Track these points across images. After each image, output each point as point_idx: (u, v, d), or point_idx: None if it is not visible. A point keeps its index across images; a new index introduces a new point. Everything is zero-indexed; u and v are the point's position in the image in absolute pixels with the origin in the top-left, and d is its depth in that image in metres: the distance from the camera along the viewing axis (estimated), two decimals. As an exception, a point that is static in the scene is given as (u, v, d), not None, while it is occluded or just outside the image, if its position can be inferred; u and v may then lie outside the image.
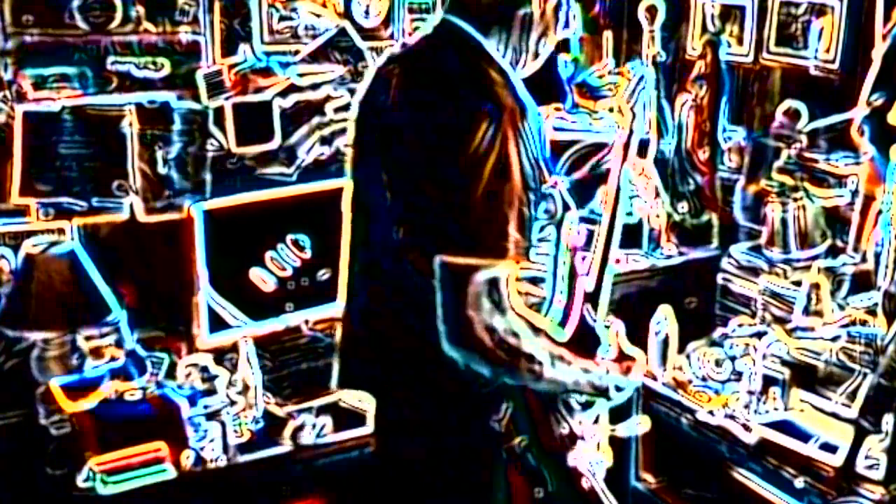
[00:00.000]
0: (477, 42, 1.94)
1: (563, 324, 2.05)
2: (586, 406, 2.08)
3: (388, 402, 2.09)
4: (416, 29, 3.59)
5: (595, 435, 2.10)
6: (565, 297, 2.06)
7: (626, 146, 2.26)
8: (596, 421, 2.10)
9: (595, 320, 2.11)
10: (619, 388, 2.05)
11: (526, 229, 1.88)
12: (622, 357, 2.10)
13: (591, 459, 2.10)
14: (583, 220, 2.12)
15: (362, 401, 2.85)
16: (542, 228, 1.98)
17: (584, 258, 2.12)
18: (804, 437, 2.84)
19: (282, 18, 3.42)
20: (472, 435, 2.00)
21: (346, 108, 3.42)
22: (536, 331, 1.90)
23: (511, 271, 1.85)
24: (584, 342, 2.06)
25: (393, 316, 1.99)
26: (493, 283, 1.82)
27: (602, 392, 2.03)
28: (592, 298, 2.12)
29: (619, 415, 2.21)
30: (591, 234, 2.18)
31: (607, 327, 2.13)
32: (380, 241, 1.99)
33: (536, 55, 2.02)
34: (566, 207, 2.02)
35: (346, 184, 2.13)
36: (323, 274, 3.17)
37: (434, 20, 2.03)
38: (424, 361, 1.91)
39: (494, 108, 1.82)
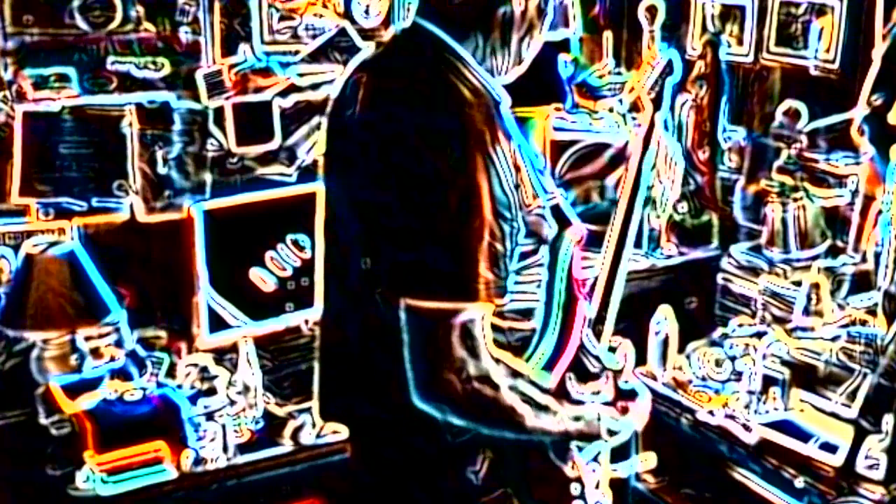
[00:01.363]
0: (452, 50, 1.74)
1: (552, 363, 1.83)
2: (583, 447, 1.89)
3: (359, 442, 1.92)
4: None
5: (594, 473, 1.91)
6: (559, 329, 1.83)
7: (647, 140, 2.07)
8: (595, 459, 1.91)
9: (596, 347, 1.90)
10: (612, 432, 1.86)
11: (499, 267, 1.67)
12: (619, 397, 1.89)
13: (589, 501, 1.90)
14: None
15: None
16: (528, 254, 1.76)
17: (584, 281, 1.90)
18: (804, 437, 2.84)
19: (282, 18, 3.42)
20: (445, 488, 1.81)
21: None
22: (516, 375, 1.72)
23: (485, 313, 1.67)
24: (578, 377, 1.87)
25: (364, 348, 1.81)
26: (466, 328, 1.64)
27: (595, 438, 1.85)
28: (594, 325, 1.92)
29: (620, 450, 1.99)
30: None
31: (613, 350, 1.93)
32: (350, 267, 1.79)
33: (520, 59, 1.82)
34: (565, 224, 1.82)
35: (318, 193, 1.94)
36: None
37: (404, 23, 1.83)
38: (393, 403, 1.73)
39: (461, 132, 1.64)
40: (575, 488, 1.88)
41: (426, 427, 1.73)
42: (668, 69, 2.13)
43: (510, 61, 1.80)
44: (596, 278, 2.03)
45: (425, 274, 1.64)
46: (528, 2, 1.77)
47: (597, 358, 1.90)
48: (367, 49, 1.93)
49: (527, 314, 1.80)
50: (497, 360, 1.70)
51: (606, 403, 1.88)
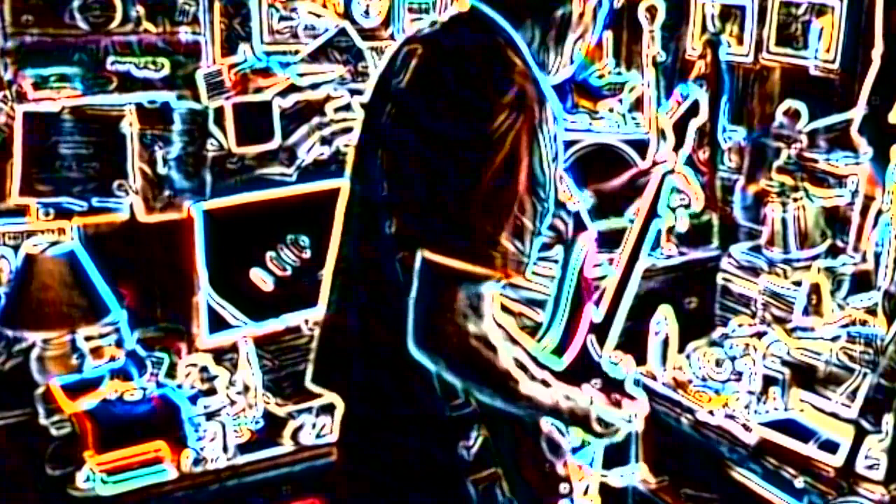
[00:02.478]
0: (506, 32, 1.77)
1: (558, 353, 1.87)
2: (577, 449, 1.90)
3: (354, 408, 1.94)
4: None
5: (583, 479, 1.92)
6: (565, 326, 1.87)
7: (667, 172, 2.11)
8: (590, 465, 1.93)
9: (600, 356, 1.92)
10: (602, 422, 1.84)
11: (522, 242, 1.69)
12: (611, 387, 1.90)
13: None
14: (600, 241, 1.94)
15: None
16: (547, 247, 1.80)
17: (595, 286, 1.93)
18: (804, 436, 2.84)
19: (282, 18, 3.42)
20: (436, 460, 1.82)
21: (346, 108, 3.42)
22: (515, 342, 1.74)
23: (496, 282, 1.69)
24: (579, 375, 1.88)
25: (374, 319, 1.83)
26: (477, 290, 1.67)
27: (584, 422, 1.84)
28: (600, 330, 1.93)
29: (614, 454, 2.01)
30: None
31: (615, 364, 1.93)
32: (373, 236, 1.82)
33: (571, 60, 1.85)
34: (581, 227, 1.86)
35: (343, 184, 1.96)
36: (322, 274, 3.16)
37: (461, 6, 1.85)
38: (397, 370, 1.76)
39: (517, 98, 1.67)
40: (564, 488, 1.89)
41: (424, 396, 1.75)
42: (694, 110, 2.15)
43: (561, 61, 1.84)
44: (606, 287, 2.04)
45: (448, 231, 1.67)
46: (585, 5, 1.81)
47: (598, 364, 1.92)
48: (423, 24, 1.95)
49: (539, 305, 1.84)
50: (500, 326, 1.71)
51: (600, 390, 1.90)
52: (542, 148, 1.70)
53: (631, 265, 2.03)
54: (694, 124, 2.15)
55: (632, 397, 1.91)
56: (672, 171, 2.13)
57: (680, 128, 2.14)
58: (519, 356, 1.74)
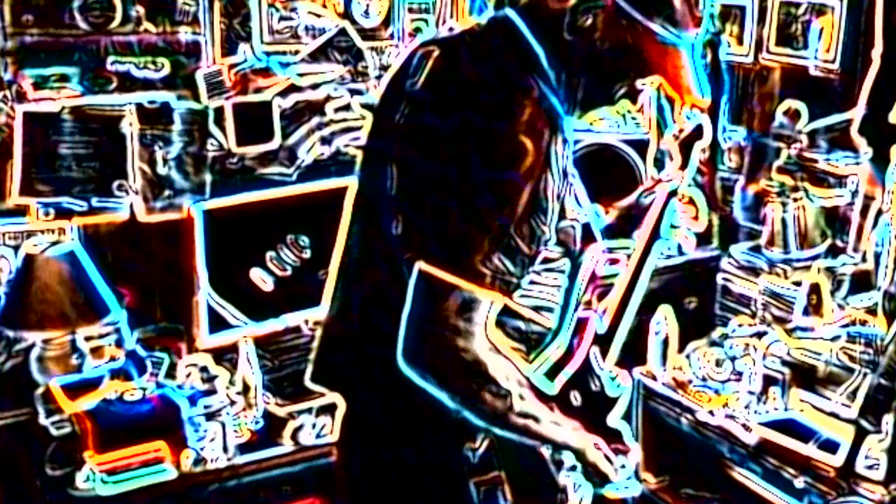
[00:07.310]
0: (532, 51, 1.76)
1: (557, 369, 1.84)
2: (574, 467, 1.87)
3: (357, 408, 1.92)
4: (416, 29, 3.60)
5: (577, 491, 1.90)
6: (570, 335, 1.87)
7: (671, 193, 2.09)
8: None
9: (601, 368, 1.90)
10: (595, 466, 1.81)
11: (514, 263, 1.67)
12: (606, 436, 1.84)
13: None
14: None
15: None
16: (553, 259, 1.79)
17: (599, 292, 1.93)
18: (804, 436, 2.84)
19: (282, 18, 3.42)
20: (440, 461, 1.82)
21: (346, 108, 3.42)
22: (507, 359, 1.71)
23: (492, 300, 1.67)
24: (582, 394, 1.86)
25: (379, 319, 1.80)
26: (467, 303, 1.65)
27: (578, 454, 1.81)
28: (603, 341, 1.92)
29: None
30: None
31: (613, 379, 1.91)
32: (379, 236, 1.81)
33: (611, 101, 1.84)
34: (589, 240, 1.86)
35: (351, 182, 1.96)
36: (322, 274, 3.17)
37: (491, 11, 1.83)
38: (398, 372, 1.72)
39: (522, 126, 1.66)
40: (561, 498, 1.89)
41: (431, 397, 1.73)
42: (698, 133, 2.15)
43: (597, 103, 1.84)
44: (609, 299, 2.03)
45: (444, 243, 1.66)
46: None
47: (599, 379, 1.91)
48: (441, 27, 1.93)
49: (549, 311, 1.83)
50: (496, 350, 1.70)
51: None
52: (549, 175, 1.68)
53: (634, 283, 2.01)
54: (698, 146, 2.14)
55: (624, 447, 1.87)
56: (676, 193, 2.12)
57: (685, 148, 2.13)
58: (510, 373, 1.71)
